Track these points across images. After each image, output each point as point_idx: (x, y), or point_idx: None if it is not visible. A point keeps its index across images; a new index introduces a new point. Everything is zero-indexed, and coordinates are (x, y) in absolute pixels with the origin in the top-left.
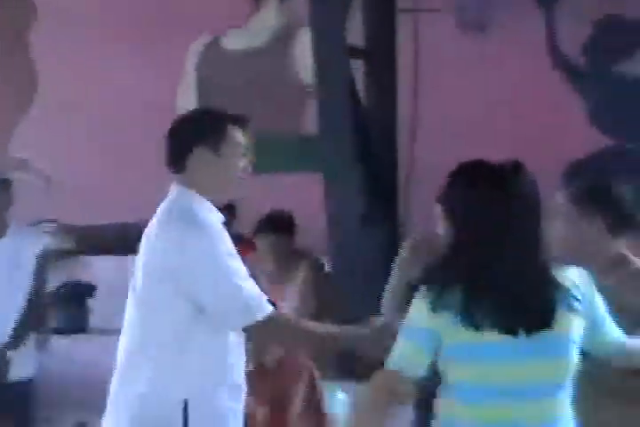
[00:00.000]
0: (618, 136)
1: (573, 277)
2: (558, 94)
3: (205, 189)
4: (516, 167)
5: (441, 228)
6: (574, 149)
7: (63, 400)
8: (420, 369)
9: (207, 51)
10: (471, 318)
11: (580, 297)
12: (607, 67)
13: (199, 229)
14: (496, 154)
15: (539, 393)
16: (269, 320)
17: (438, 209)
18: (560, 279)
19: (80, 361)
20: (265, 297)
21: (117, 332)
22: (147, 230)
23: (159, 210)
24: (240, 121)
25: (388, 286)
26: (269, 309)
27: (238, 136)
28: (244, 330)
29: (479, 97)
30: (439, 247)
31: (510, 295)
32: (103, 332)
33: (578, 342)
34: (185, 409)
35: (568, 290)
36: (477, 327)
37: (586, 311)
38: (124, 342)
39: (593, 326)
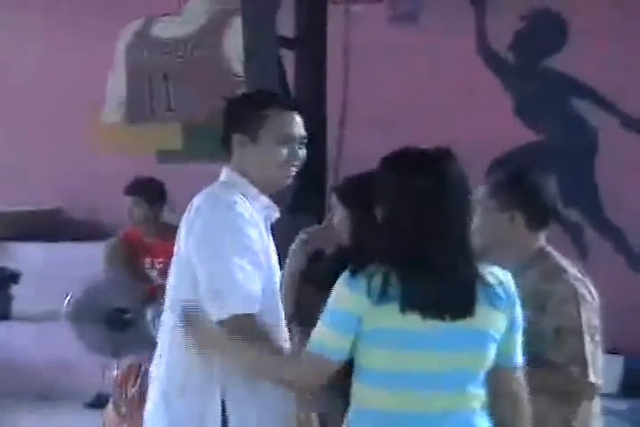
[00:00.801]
0: (542, 131)
1: (499, 276)
2: (486, 87)
3: (250, 177)
4: (447, 155)
5: (337, 217)
6: (500, 144)
7: None
8: (343, 354)
9: (137, 37)
10: (403, 303)
11: (503, 296)
12: (534, 62)
13: (219, 212)
14: (423, 142)
15: (452, 383)
16: (247, 321)
17: (334, 199)
18: (486, 276)
19: (4, 347)
20: (257, 299)
21: (40, 318)
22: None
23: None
24: (287, 106)
25: (282, 280)
26: (253, 310)
27: (281, 122)
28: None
29: (408, 86)
30: (334, 238)
31: (441, 282)
32: (26, 319)
33: (497, 339)
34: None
35: (492, 287)
36: (406, 311)
37: (507, 312)
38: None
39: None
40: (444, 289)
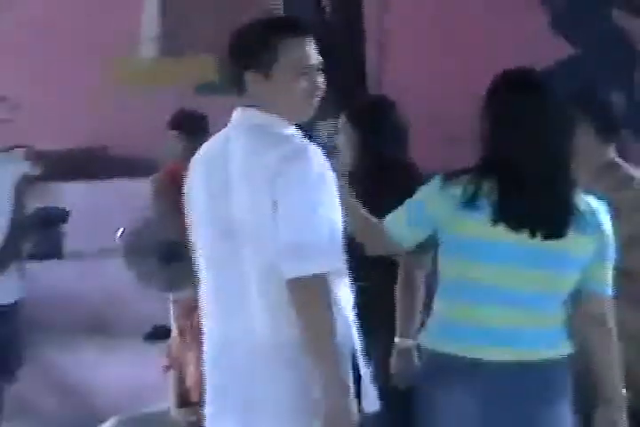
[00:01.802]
0: (580, 44)
1: (592, 204)
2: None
3: (273, 112)
4: (544, 78)
5: (343, 138)
6: (541, 58)
7: (46, 324)
8: (408, 242)
9: None
10: (500, 213)
11: (593, 223)
12: None
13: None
14: (466, 65)
15: (535, 302)
16: (320, 281)
17: (343, 119)
18: (579, 203)
19: (58, 285)
20: (340, 256)
21: (90, 255)
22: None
23: (244, 134)
24: (298, 31)
25: None
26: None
27: (296, 52)
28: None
29: (449, 12)
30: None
31: (539, 200)
32: (77, 256)
33: (582, 264)
34: None
35: (583, 213)
36: (497, 222)
37: (595, 239)
38: None
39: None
40: (540, 205)
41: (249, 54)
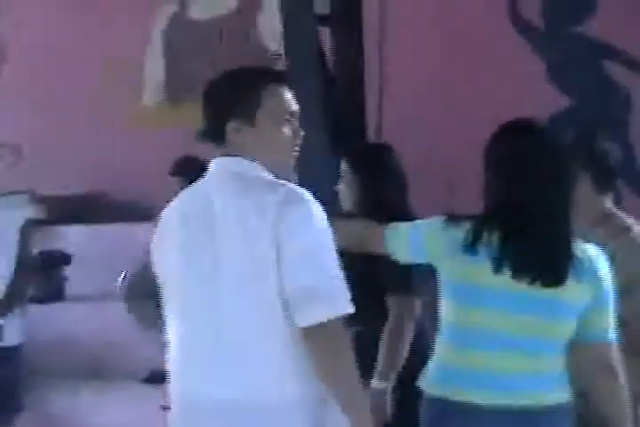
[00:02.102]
0: (574, 96)
1: (589, 252)
2: (519, 54)
3: (257, 160)
4: (546, 128)
5: (345, 183)
6: (536, 108)
7: (48, 366)
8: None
9: (173, 19)
10: (501, 261)
11: (589, 271)
12: (565, 27)
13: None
14: (457, 109)
15: (532, 347)
16: (340, 324)
17: (345, 165)
18: (578, 251)
19: (58, 328)
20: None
21: (91, 299)
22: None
23: (229, 182)
24: (278, 80)
25: None
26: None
27: (278, 99)
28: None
29: (443, 56)
30: None
31: (540, 248)
32: (78, 299)
33: (578, 312)
34: None
35: (580, 261)
36: (501, 270)
37: (592, 286)
38: None
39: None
40: (540, 254)
41: (232, 102)
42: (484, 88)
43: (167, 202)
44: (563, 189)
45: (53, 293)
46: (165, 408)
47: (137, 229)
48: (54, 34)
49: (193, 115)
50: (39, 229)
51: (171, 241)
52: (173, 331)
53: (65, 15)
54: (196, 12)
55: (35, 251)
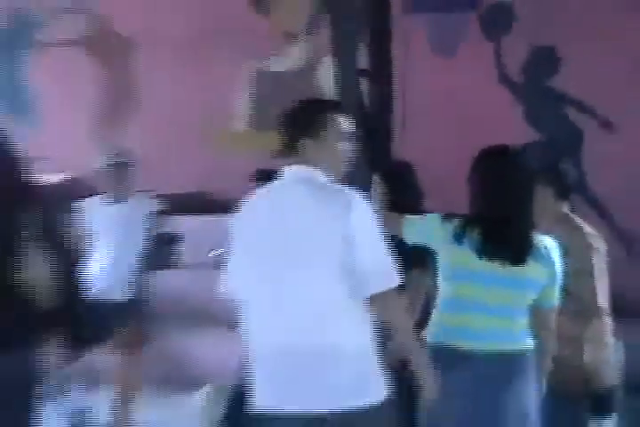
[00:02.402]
0: (543, 132)
1: (546, 242)
2: (499, 102)
3: (319, 169)
4: (516, 151)
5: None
6: (513, 139)
7: (167, 315)
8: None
9: (257, 71)
10: (481, 249)
11: (546, 256)
12: (537, 81)
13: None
14: (459, 141)
15: (505, 311)
16: (394, 292)
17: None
18: (539, 241)
19: (174, 287)
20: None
21: (195, 267)
22: (283, 202)
23: (302, 184)
24: (338, 109)
25: None
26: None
27: (339, 123)
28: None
29: (449, 101)
30: None
31: (508, 240)
32: (188, 267)
33: (538, 286)
34: None
35: (539, 249)
36: (482, 256)
37: (548, 268)
38: None
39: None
40: (507, 245)
41: (307, 124)
42: (478, 128)
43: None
44: (526, 198)
45: (170, 262)
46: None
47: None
48: (176, 84)
49: (269, 139)
50: (161, 218)
51: (252, 225)
52: (258, 293)
53: (181, 70)
54: (275, 67)
55: (157, 232)
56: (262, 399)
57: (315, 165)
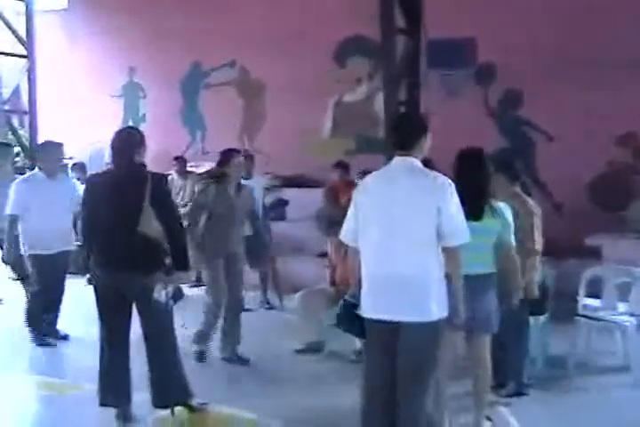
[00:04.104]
0: (511, 141)
1: (499, 205)
2: (486, 125)
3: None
4: (481, 153)
5: None
6: (492, 145)
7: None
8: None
9: (337, 102)
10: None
11: (500, 214)
12: (508, 111)
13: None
14: (458, 145)
15: (479, 248)
16: (459, 247)
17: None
18: (493, 204)
19: (283, 231)
20: None
21: (297, 220)
22: (396, 181)
23: (407, 169)
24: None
25: None
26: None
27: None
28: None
29: (451, 127)
30: None
31: (470, 202)
32: (292, 220)
33: (496, 233)
34: None
35: (495, 209)
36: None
37: (500, 221)
38: None
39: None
40: (472, 206)
41: (423, 127)
42: (471, 139)
43: (331, 180)
44: (486, 180)
45: (281, 216)
46: (328, 266)
47: (317, 191)
48: (289, 112)
49: (343, 145)
50: (274, 190)
51: (369, 197)
52: (373, 239)
53: (291, 103)
54: (348, 98)
55: (272, 199)
56: (366, 309)
57: (416, 156)
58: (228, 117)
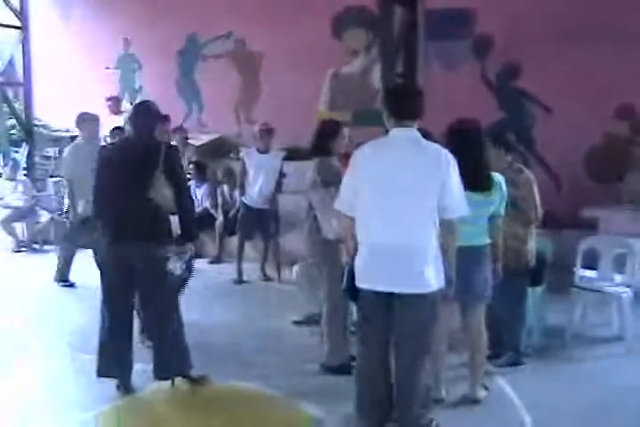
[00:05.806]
0: (509, 113)
1: (498, 177)
2: (484, 97)
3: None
4: (477, 124)
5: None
6: (490, 118)
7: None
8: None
9: (333, 74)
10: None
11: (498, 186)
12: (506, 83)
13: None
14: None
15: (477, 220)
16: (457, 220)
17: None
18: (493, 176)
19: (285, 202)
20: None
21: (293, 192)
22: (399, 152)
23: (411, 141)
24: None
25: None
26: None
27: None
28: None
29: (449, 99)
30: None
31: (472, 175)
32: (289, 191)
33: (495, 204)
34: None
35: (494, 181)
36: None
37: (499, 193)
38: None
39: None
40: (476, 179)
41: (420, 100)
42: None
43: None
44: (481, 150)
45: (280, 188)
46: None
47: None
48: (287, 81)
49: (339, 116)
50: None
51: (371, 167)
52: (372, 209)
53: (289, 72)
54: (345, 70)
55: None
56: (363, 279)
57: (414, 127)
58: (225, 89)
